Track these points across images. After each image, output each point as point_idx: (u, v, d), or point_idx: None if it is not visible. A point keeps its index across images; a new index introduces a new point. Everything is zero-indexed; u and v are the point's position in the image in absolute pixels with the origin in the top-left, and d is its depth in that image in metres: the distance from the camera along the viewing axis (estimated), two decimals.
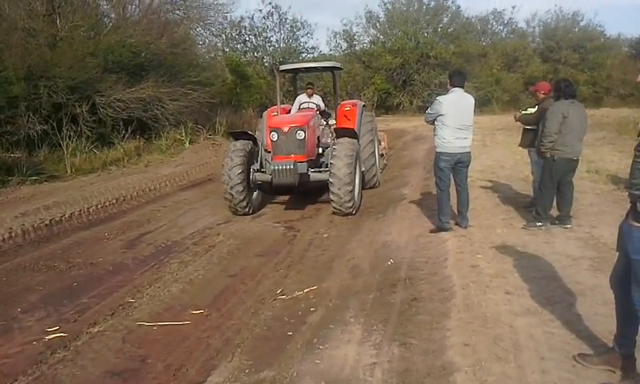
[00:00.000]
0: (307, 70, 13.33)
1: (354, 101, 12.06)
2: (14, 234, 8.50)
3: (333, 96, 12.60)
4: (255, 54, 35.76)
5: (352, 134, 9.73)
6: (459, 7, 36.94)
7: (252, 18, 35.56)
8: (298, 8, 79.41)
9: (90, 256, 7.57)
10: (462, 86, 7.26)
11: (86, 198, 10.85)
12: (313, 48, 38.18)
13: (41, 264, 7.30)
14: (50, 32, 17.01)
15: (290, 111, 11.29)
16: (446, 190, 7.38)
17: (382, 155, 13.56)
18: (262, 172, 9.83)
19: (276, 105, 11.11)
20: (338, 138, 9.64)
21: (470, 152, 7.40)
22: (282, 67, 11.83)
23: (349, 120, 10.77)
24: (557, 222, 7.45)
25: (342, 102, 11.54)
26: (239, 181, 9.09)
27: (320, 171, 9.59)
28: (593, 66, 35.74)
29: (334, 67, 12.05)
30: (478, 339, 4.33)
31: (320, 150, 10.24)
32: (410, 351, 4.30)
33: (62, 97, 15.21)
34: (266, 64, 34.77)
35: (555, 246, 6.55)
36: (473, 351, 4.14)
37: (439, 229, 7.40)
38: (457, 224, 7.50)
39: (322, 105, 11.37)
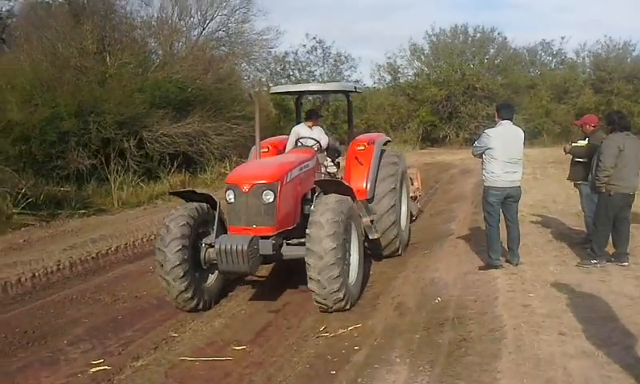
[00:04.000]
0: (310, 92, 10.85)
1: (372, 135, 9.11)
2: (61, 267, 8.65)
3: (348, 128, 10.15)
4: None
5: (342, 188, 6.85)
6: (505, 38, 36.41)
7: (296, 53, 36.03)
8: (341, 42, 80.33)
9: (134, 289, 7.63)
10: (510, 119, 7.10)
11: (132, 231, 11.02)
12: (356, 81, 38.40)
13: (87, 297, 7.39)
14: (100, 69, 17.66)
15: (285, 148, 8.66)
16: (495, 226, 7.16)
17: (415, 198, 11.61)
18: None
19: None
20: (322, 193, 6.87)
21: (520, 186, 7.19)
22: (275, 89, 9.81)
23: (360, 164, 8.17)
24: (613, 259, 7.14)
25: (357, 138, 8.78)
26: (178, 261, 6.15)
27: (302, 243, 6.28)
28: None
29: (344, 90, 9.80)
30: (529, 382, 4.17)
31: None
32: None
33: (111, 132, 15.67)
34: (310, 98, 35.20)
35: (611, 285, 6.27)
36: None
37: (489, 266, 7.17)
38: (507, 261, 7.25)
39: (325, 139, 8.54)
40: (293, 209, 6.78)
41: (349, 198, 6.60)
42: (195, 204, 6.69)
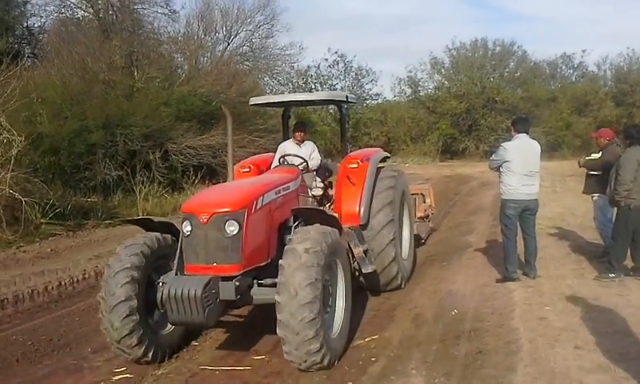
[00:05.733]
0: (295, 103, 8.78)
1: (367, 151, 7.95)
2: (87, 276, 8.87)
3: (341, 143, 8.71)
4: None
5: (326, 218, 5.69)
6: (525, 52, 36.44)
7: (318, 67, 36.37)
8: (363, 56, 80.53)
9: None
10: (526, 132, 7.16)
11: None
12: (377, 94, 38.61)
13: None
14: (128, 83, 18.14)
15: (270, 165, 7.67)
16: (512, 239, 7.19)
17: (427, 217, 10.86)
18: None
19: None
20: (297, 224, 5.85)
21: (537, 199, 7.22)
22: (255, 101, 8.01)
23: (353, 184, 7.07)
24: (632, 273, 7.11)
25: (350, 154, 7.68)
26: (124, 296, 5.06)
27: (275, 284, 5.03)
28: None
29: (335, 100, 8.34)
30: None
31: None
32: None
33: (137, 144, 16.06)
34: (331, 111, 35.36)
35: (630, 299, 6.23)
36: None
37: (506, 278, 7.18)
38: (524, 274, 7.26)
39: (317, 157, 7.57)
40: (265, 241, 5.59)
41: (335, 230, 5.50)
42: (156, 233, 5.71)
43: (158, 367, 5.45)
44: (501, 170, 7.08)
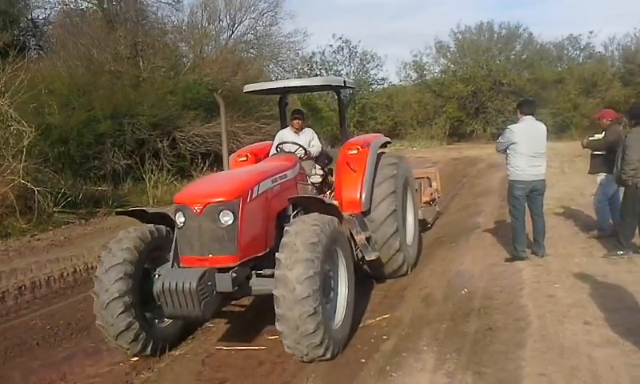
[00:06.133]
0: (290, 90, 8.48)
1: (367, 137, 7.89)
2: None
3: (340, 129, 8.52)
4: None
5: (324, 206, 5.55)
6: (531, 34, 36.25)
7: (323, 53, 36.38)
8: (368, 41, 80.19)
9: None
10: (532, 114, 7.20)
11: None
12: (383, 79, 38.60)
13: None
14: (134, 73, 18.24)
15: (268, 153, 7.50)
16: (520, 219, 7.25)
17: (433, 201, 10.69)
18: None
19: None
20: (296, 213, 5.73)
21: (544, 180, 7.27)
22: (248, 88, 7.69)
23: (353, 170, 6.89)
24: None
25: (350, 140, 7.51)
26: (118, 293, 4.97)
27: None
28: None
29: (332, 86, 8.07)
30: (553, 369, 4.24)
31: None
32: (483, 380, 4.26)
33: (145, 133, 16.20)
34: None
35: (638, 276, 6.28)
36: (548, 381, 4.07)
37: (514, 258, 7.26)
38: (533, 253, 7.33)
39: (317, 145, 7.40)
40: (263, 230, 5.45)
41: (334, 218, 5.34)
42: (150, 225, 5.59)
43: (175, 348, 5.58)
44: (508, 151, 7.14)
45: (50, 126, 13.87)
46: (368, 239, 6.57)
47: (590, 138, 8.49)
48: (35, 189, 11.62)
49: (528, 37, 36.13)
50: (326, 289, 5.08)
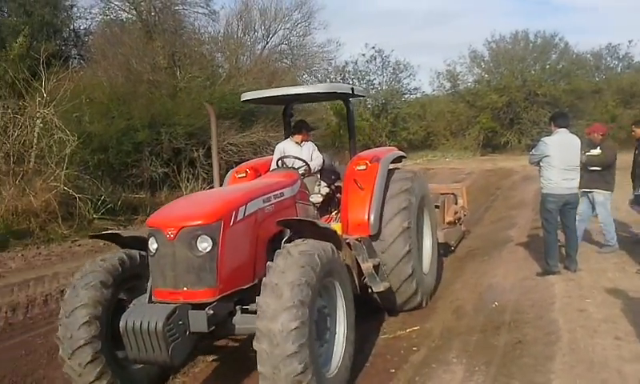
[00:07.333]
0: (292, 98, 7.43)
1: (378, 151, 7.00)
2: None
3: (349, 142, 7.51)
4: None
5: (320, 231, 4.76)
6: (567, 43, 35.70)
7: (355, 63, 36.48)
8: (400, 50, 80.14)
9: None
10: (566, 127, 7.21)
11: None
12: (415, 89, 38.47)
13: None
14: (171, 83, 18.69)
15: (269, 169, 6.74)
16: (553, 232, 7.24)
17: (460, 219, 9.97)
18: None
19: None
20: (286, 239, 4.77)
21: (577, 193, 7.28)
22: (246, 96, 6.93)
23: (360, 188, 6.11)
24: None
25: (359, 154, 6.76)
26: (84, 340, 4.32)
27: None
28: None
29: (339, 93, 7.13)
30: (582, 383, 4.27)
31: None
32: None
33: (181, 142, 16.59)
34: (369, 106, 35.44)
35: None
36: None
37: (546, 272, 7.24)
38: (565, 267, 7.30)
39: (318, 159, 6.72)
40: (250, 258, 4.70)
41: (328, 245, 4.54)
42: (125, 250, 4.92)
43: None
44: (541, 164, 7.15)
45: (91, 134, 14.31)
46: (376, 267, 5.81)
47: (588, 154, 8.28)
48: (76, 195, 12.04)
49: (564, 46, 35.63)
50: (320, 329, 4.41)
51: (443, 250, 8.72)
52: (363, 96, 9.27)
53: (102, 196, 12.85)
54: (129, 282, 4.80)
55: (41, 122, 12.64)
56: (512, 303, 6.40)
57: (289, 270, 4.04)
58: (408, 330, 6.07)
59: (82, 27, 24.57)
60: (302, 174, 6.23)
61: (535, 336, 5.32)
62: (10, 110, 12.52)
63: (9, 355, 6.00)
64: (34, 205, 11.65)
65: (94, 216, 12.55)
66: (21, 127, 12.49)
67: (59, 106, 12.80)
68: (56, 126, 12.47)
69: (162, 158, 16.29)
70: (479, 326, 5.90)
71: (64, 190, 11.94)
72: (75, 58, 23.27)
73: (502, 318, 5.98)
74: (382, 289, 5.72)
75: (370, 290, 5.74)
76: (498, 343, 5.33)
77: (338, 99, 8.50)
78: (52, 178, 12.01)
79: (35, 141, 12.66)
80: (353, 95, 6.99)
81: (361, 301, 5.31)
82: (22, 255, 10.31)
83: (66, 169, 12.15)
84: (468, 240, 10.35)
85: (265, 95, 6.91)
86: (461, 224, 10.07)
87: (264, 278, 4.12)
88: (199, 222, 4.34)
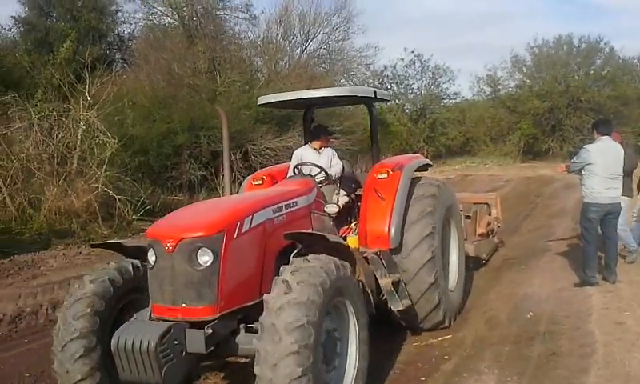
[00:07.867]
0: (310, 101, 6.91)
1: (401, 158, 6.59)
2: None
3: (371, 148, 7.16)
4: (397, 101, 36.37)
5: (330, 245, 4.46)
6: (613, 48, 34.81)
7: (394, 67, 36.36)
8: (440, 55, 79.69)
9: None
10: (609, 134, 7.05)
11: None
12: (455, 94, 38.10)
13: None
14: (211, 87, 19.01)
15: (286, 176, 6.41)
16: (592, 243, 7.07)
17: (493, 231, 9.36)
18: None
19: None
20: (296, 253, 4.47)
21: (619, 203, 7.09)
22: (262, 100, 6.70)
23: (381, 199, 5.73)
24: None
25: (382, 161, 6.39)
26: (81, 374, 4.06)
27: None
28: None
29: (361, 97, 6.71)
30: None
31: None
32: None
33: (219, 145, 16.79)
34: (407, 111, 35.28)
35: None
36: None
37: (584, 283, 7.07)
38: (604, 279, 7.12)
39: (338, 165, 6.31)
40: (256, 273, 4.38)
41: (339, 262, 4.17)
42: (124, 263, 4.55)
43: None
44: (583, 172, 7.00)
45: (132, 137, 14.67)
46: (396, 284, 5.35)
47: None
48: (117, 197, 12.34)
49: (609, 51, 34.77)
50: (329, 354, 4.13)
51: (473, 264, 8.37)
52: (386, 100, 8.83)
53: (141, 197, 13.13)
54: (130, 294, 4.49)
55: (84, 125, 13.00)
56: (547, 314, 6.29)
57: (285, 308, 3.63)
58: (440, 339, 6.00)
59: (125, 32, 25.32)
60: (320, 182, 5.91)
61: (570, 348, 5.22)
62: (55, 113, 12.93)
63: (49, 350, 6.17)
64: (76, 205, 12.01)
65: (134, 217, 12.85)
66: (65, 129, 12.88)
67: (102, 109, 13.17)
68: (98, 128, 12.83)
69: (201, 160, 16.62)
70: (512, 336, 5.81)
71: (104, 191, 12.25)
72: (119, 62, 23.95)
73: (537, 328, 5.88)
74: (400, 307, 5.27)
75: (389, 309, 5.29)
76: (531, 354, 5.25)
77: (360, 103, 8.15)
78: (93, 179, 12.35)
79: (78, 143, 13.03)
80: (375, 99, 6.57)
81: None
82: (64, 254, 10.59)
83: (107, 170, 12.47)
84: (504, 249, 10.17)
85: (282, 99, 6.53)
86: (494, 236, 9.48)
87: (260, 317, 3.74)
88: (200, 234, 4.04)
